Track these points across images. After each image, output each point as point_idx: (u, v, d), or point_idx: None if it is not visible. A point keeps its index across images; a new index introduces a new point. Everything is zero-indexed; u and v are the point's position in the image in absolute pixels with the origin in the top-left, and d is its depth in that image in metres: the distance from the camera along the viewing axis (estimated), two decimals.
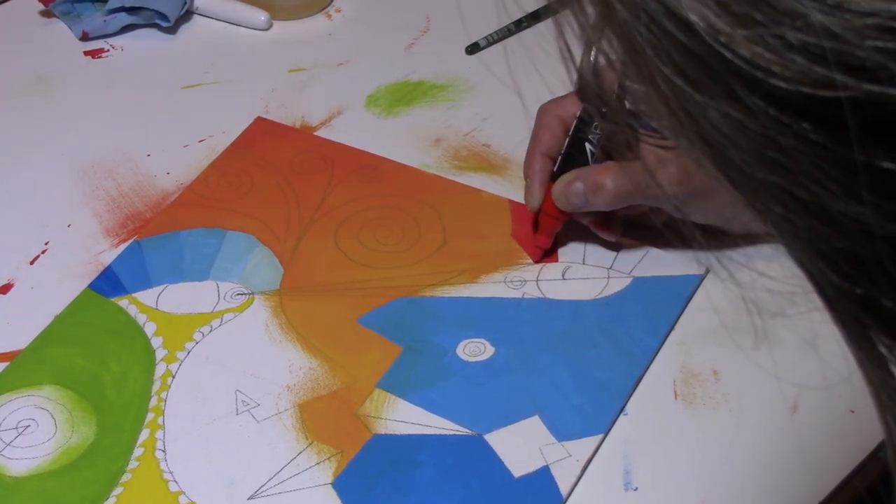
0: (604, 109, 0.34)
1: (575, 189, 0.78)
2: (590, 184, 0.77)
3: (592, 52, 0.32)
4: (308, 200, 0.87)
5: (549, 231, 0.81)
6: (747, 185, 0.30)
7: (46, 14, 1.04)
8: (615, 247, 0.82)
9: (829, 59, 0.27)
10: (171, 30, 1.02)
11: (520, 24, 1.01)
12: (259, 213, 0.86)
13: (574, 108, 0.80)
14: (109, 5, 1.01)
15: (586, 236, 0.83)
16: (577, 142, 0.79)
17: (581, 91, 0.33)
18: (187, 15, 1.04)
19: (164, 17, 1.01)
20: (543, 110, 0.81)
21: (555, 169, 0.80)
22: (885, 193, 0.28)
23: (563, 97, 0.80)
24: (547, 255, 0.82)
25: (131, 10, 1.01)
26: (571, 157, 0.80)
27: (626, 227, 0.82)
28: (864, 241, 0.29)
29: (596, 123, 0.78)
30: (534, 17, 1.01)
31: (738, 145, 0.29)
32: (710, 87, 0.29)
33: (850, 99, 0.27)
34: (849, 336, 0.32)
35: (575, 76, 0.33)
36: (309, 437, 0.72)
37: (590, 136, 0.79)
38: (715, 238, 0.70)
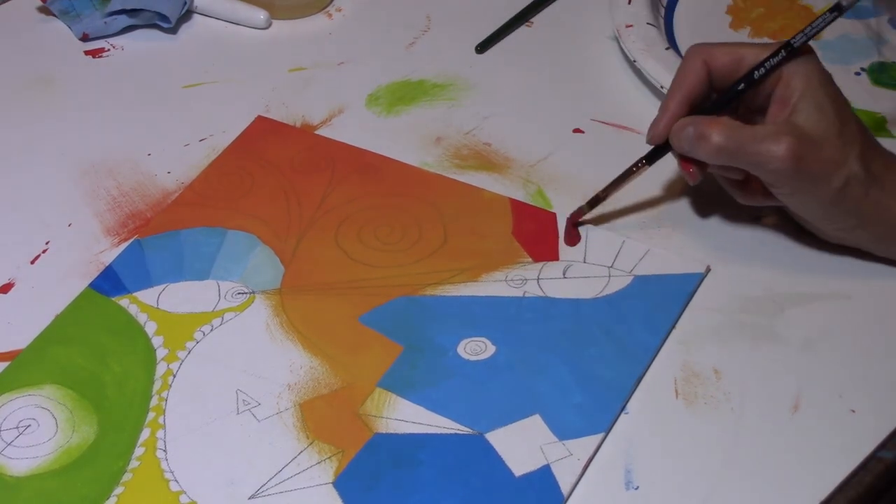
0: None
1: (686, 133, 0.79)
2: (698, 131, 0.78)
3: None
4: (309, 199, 0.87)
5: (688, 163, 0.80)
6: None
7: (45, 11, 1.04)
8: (616, 245, 0.82)
9: None
10: (172, 29, 1.02)
11: (520, 22, 1.01)
12: (260, 212, 0.86)
13: (722, 58, 0.80)
14: (110, 7, 1.01)
15: (585, 235, 0.83)
16: (730, 93, 0.79)
17: None
18: (187, 14, 1.04)
19: (165, 18, 1.01)
20: (692, 52, 0.81)
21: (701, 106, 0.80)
22: None
23: (713, 44, 0.80)
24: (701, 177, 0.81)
25: (132, 11, 1.01)
26: (719, 105, 0.80)
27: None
28: None
29: (756, 76, 0.78)
30: (533, 12, 1.01)
31: None
32: None
33: None
34: None
35: None
36: (310, 437, 0.72)
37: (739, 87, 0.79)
38: None
